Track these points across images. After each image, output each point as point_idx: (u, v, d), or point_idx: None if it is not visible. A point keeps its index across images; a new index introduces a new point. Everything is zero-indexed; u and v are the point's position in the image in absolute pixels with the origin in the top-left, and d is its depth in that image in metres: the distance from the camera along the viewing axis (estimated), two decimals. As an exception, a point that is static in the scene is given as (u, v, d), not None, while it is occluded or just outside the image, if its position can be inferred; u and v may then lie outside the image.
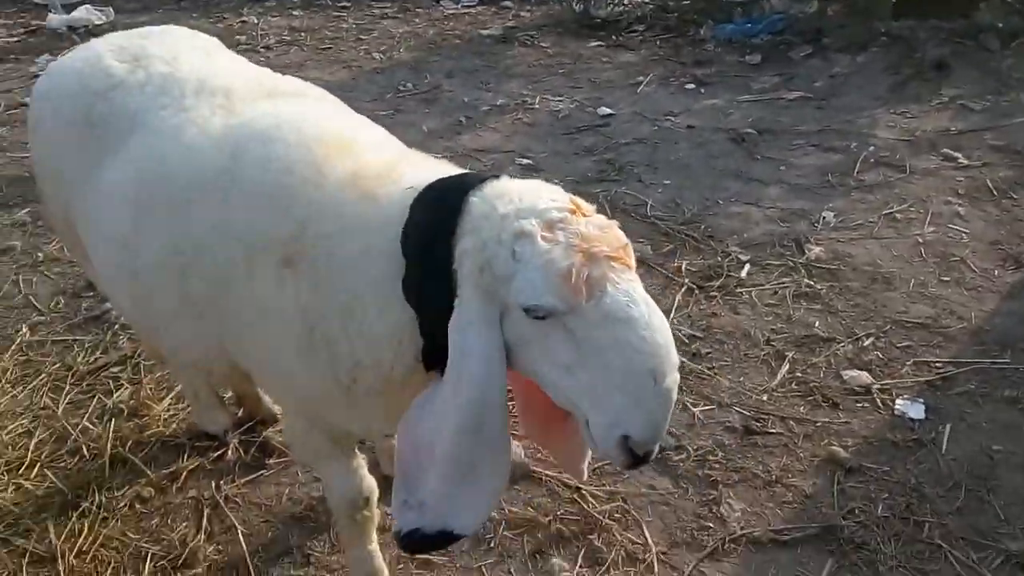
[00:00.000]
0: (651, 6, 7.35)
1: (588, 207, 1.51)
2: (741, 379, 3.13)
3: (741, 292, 3.61)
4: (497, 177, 1.56)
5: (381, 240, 1.57)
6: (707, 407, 2.99)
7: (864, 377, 3.10)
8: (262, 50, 7.48)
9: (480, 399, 1.50)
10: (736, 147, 4.97)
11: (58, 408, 2.95)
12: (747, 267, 3.77)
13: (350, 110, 2.07)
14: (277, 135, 1.75)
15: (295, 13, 8.90)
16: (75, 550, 2.39)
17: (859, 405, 2.97)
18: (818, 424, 2.89)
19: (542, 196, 1.49)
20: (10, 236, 4.06)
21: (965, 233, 3.99)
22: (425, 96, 6.21)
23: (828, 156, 4.85)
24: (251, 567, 2.37)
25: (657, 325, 1.41)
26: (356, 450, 2.08)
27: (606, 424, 1.44)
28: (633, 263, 1.48)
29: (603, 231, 1.45)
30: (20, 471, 2.69)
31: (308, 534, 2.49)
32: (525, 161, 4.98)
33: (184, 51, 2.11)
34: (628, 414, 1.41)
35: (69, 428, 2.86)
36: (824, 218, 4.16)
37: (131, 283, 1.96)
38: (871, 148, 4.86)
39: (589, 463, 2.02)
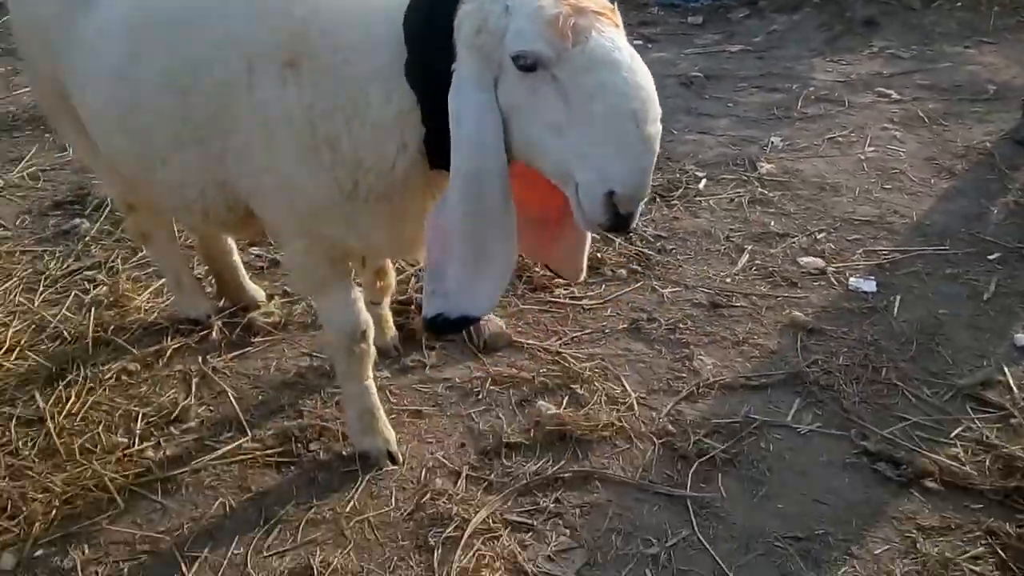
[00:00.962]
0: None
1: None
2: (705, 268, 3.29)
3: (700, 200, 3.79)
4: None
5: (383, 25, 1.65)
6: (675, 289, 3.14)
7: (819, 263, 3.29)
8: None
9: (476, 164, 1.58)
10: (685, 89, 5.18)
11: (34, 304, 2.94)
12: (704, 181, 3.96)
13: None
14: None
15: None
16: (64, 412, 2.40)
17: (815, 284, 3.16)
18: (779, 298, 3.06)
19: None
20: (-32, 168, 3.99)
21: (902, 152, 4.25)
22: None
23: (771, 96, 5.09)
24: (244, 422, 2.41)
25: (639, 69, 1.49)
26: (353, 283, 2.15)
27: (591, 181, 1.52)
28: (619, 23, 1.56)
29: None
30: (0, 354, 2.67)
31: (299, 393, 2.54)
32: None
33: None
34: (612, 165, 1.49)
35: (48, 318, 2.84)
36: (772, 142, 4.38)
37: (129, 117, 2.00)
38: (811, 88, 5.12)
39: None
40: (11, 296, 2.98)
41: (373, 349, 2.21)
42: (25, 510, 2.07)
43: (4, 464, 2.22)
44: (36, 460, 2.24)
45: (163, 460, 2.28)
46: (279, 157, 1.82)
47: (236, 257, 2.90)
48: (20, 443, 2.29)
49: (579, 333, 2.85)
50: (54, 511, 2.09)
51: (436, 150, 1.68)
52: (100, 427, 2.35)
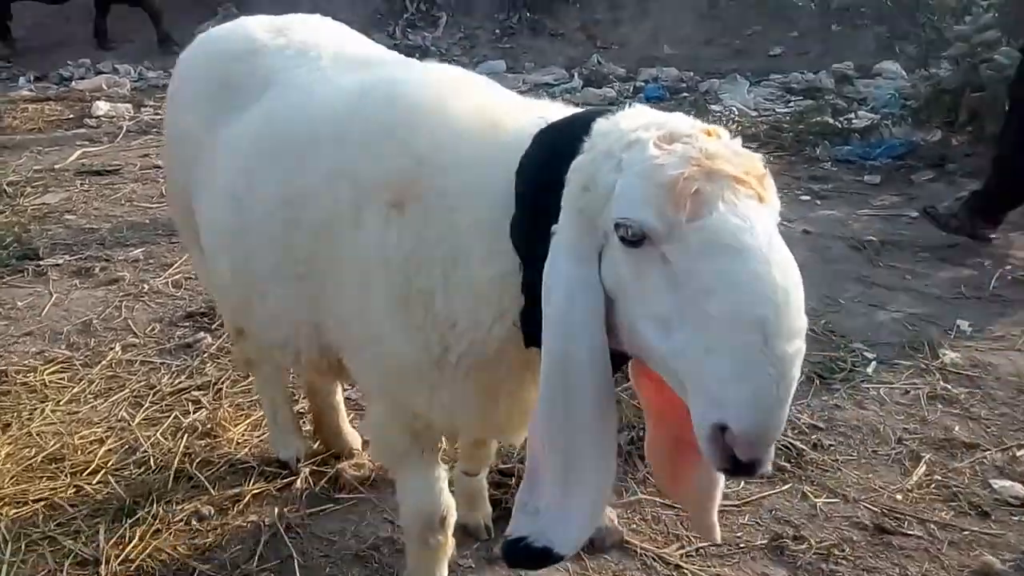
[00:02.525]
0: (765, 125, 7.31)
1: (726, 134, 1.27)
2: (870, 476, 2.74)
3: (867, 388, 3.25)
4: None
5: (496, 172, 1.41)
6: (831, 499, 2.61)
7: (1018, 488, 2.66)
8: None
9: (563, 352, 1.25)
10: (857, 254, 4.68)
11: (133, 421, 2.85)
12: (873, 364, 3.42)
13: None
14: (405, 77, 1.69)
15: None
16: (121, 557, 2.20)
17: (1015, 519, 2.53)
18: (965, 531, 2.46)
19: (680, 117, 1.30)
20: (122, 269, 4.14)
21: None
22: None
23: (959, 271, 4.49)
24: (303, 601, 2.11)
25: (778, 262, 1.11)
26: (439, 460, 1.86)
27: (698, 406, 1.15)
28: (769, 197, 1.20)
29: (736, 154, 1.20)
30: (84, 475, 2.56)
31: (370, 574, 2.22)
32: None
33: (326, 28, 2.14)
34: (726, 390, 1.10)
35: (141, 440, 2.73)
36: (959, 327, 3.78)
37: (235, 243, 1.89)
38: (1008, 266, 4.48)
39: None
40: (116, 410, 2.92)
41: (451, 543, 1.88)
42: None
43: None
44: (76, 613, 2.04)
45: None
46: (370, 306, 1.61)
47: (339, 398, 2.70)
48: (66, 588, 2.10)
49: (706, 543, 2.38)
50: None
51: (533, 326, 1.37)
52: (152, 581, 2.14)
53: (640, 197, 1.16)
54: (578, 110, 1.47)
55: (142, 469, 2.60)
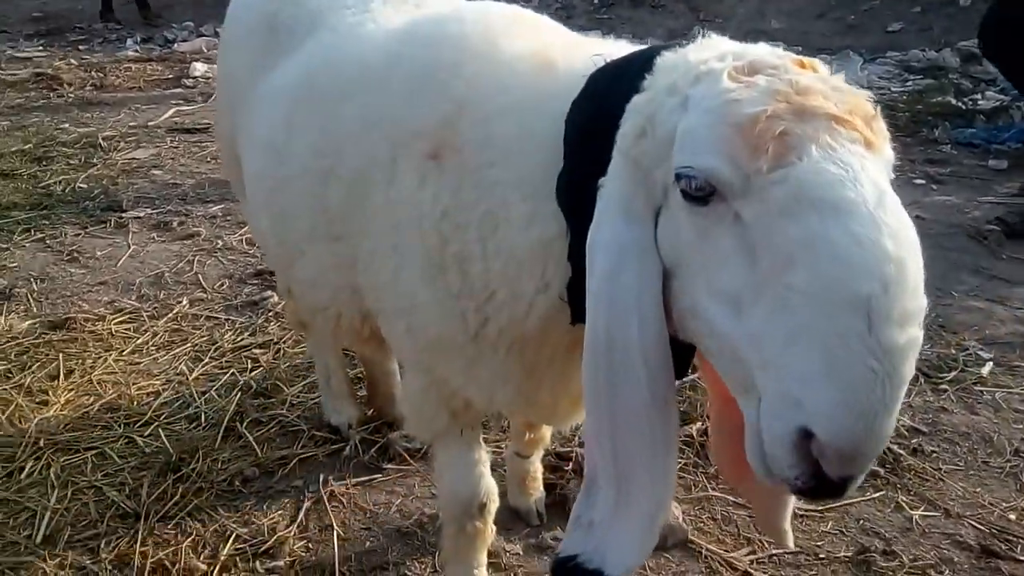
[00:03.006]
0: (878, 104, 6.77)
1: (825, 69, 1.03)
2: (978, 489, 2.42)
3: (981, 391, 2.90)
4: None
5: (542, 120, 1.20)
6: (930, 513, 2.31)
7: None
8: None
9: (606, 330, 1.03)
10: (976, 244, 4.24)
11: (191, 376, 2.80)
12: (989, 365, 3.05)
13: None
14: (456, 16, 1.49)
15: None
16: (161, 513, 2.15)
17: None
18: (1090, 562, 2.13)
19: (764, 47, 1.05)
20: (200, 224, 4.14)
21: None
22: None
23: (1095, 266, 4.01)
24: (338, 574, 1.99)
25: (890, 225, 0.86)
26: (480, 441, 1.69)
27: (776, 406, 0.91)
28: (880, 144, 0.96)
29: (837, 90, 0.96)
30: (136, 427, 2.52)
31: (411, 552, 2.09)
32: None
33: None
34: (813, 387, 0.86)
35: (195, 395, 2.68)
36: (1092, 328, 3.35)
37: (273, 197, 1.75)
38: None
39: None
40: (176, 363, 2.89)
41: (491, 530, 1.72)
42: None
43: (76, 565, 1.99)
44: (110, 568, 1.98)
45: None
46: (403, 272, 1.44)
47: (394, 365, 2.57)
48: (103, 542, 2.05)
49: (781, 551, 2.14)
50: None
51: (581, 300, 1.15)
52: (188, 540, 2.06)
53: (709, 140, 0.93)
54: (644, 47, 1.25)
55: (193, 424, 2.55)
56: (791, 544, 1.43)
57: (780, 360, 0.89)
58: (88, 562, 2.02)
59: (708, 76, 0.99)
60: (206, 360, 2.92)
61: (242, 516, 2.18)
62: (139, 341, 3.00)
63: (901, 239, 0.88)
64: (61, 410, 2.58)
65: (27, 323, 3.11)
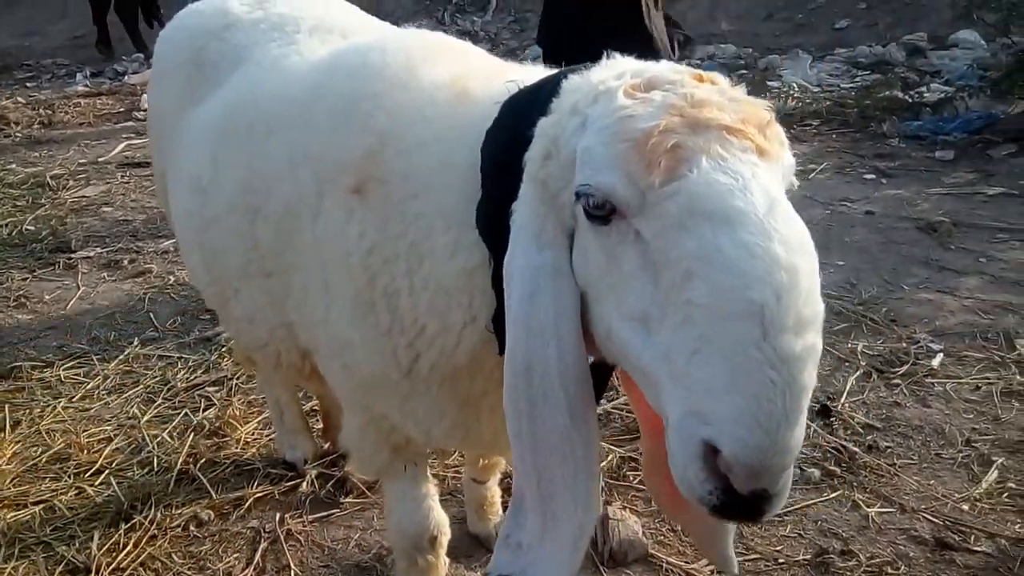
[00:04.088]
0: (828, 101, 6.89)
1: (725, 81, 1.03)
2: (932, 482, 2.45)
3: (932, 383, 2.94)
4: None
5: (462, 149, 1.20)
6: (886, 509, 2.34)
7: (1107, 499, 2.34)
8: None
9: (524, 355, 1.02)
10: (924, 236, 4.31)
11: (143, 419, 2.75)
12: (940, 357, 3.10)
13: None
14: (377, 45, 1.49)
15: None
16: (113, 565, 2.10)
17: (1101, 534, 2.22)
18: (1042, 548, 2.16)
19: (666, 65, 1.06)
20: (151, 261, 4.09)
21: None
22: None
23: (1041, 252, 4.09)
24: (296, 616, 1.97)
25: (781, 232, 0.87)
26: (427, 475, 1.68)
27: (679, 419, 0.91)
28: (774, 150, 0.95)
29: (733, 100, 0.96)
30: (86, 476, 2.47)
31: (370, 587, 2.07)
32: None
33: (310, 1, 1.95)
34: (715, 398, 0.86)
35: (147, 439, 2.64)
36: (1039, 314, 3.41)
37: (203, 236, 1.73)
38: (1098, 247, 4.06)
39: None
40: (128, 407, 2.84)
41: (444, 563, 1.70)
42: None
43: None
44: (59, 624, 1.94)
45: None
46: (333, 311, 1.43)
47: (349, 395, 2.54)
48: (52, 598, 2.01)
49: (741, 557, 2.15)
50: None
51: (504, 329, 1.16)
52: (141, 591, 2.02)
53: (606, 157, 0.93)
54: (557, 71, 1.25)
55: (145, 470, 2.50)
56: (735, 570, 1.43)
57: (685, 374, 0.89)
58: (38, 621, 1.97)
59: (605, 95, 1.00)
60: (159, 401, 2.88)
61: (197, 562, 2.14)
62: (89, 386, 2.95)
63: (793, 245, 0.88)
64: (8, 464, 2.52)
65: (-29, 375, 3.05)
